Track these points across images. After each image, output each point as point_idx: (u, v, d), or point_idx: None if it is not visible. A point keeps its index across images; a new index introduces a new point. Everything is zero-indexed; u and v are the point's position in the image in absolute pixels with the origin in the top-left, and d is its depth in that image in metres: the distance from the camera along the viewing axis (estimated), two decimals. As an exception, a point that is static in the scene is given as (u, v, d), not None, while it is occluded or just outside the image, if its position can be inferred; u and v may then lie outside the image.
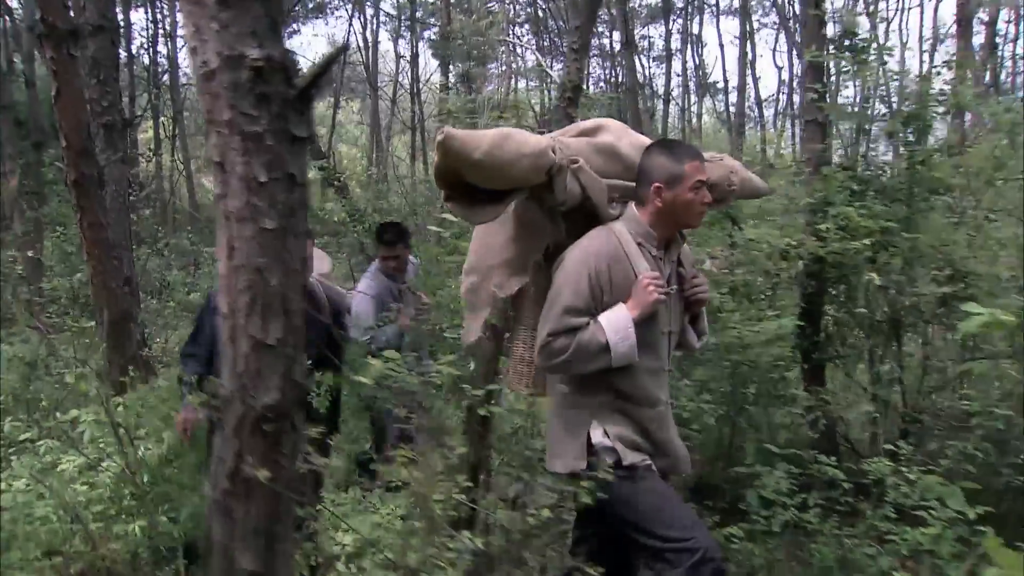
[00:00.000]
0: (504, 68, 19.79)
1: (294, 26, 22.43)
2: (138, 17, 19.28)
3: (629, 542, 2.83)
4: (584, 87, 4.19)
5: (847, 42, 4.02)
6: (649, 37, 27.74)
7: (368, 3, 22.90)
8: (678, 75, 27.49)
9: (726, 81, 28.13)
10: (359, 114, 30.54)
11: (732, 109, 25.57)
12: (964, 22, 10.15)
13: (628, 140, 2.99)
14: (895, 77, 3.86)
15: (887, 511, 3.49)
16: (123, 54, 14.90)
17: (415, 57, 23.25)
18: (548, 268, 2.89)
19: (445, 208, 3.49)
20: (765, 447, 3.97)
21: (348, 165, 21.36)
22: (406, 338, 4.85)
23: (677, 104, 27.20)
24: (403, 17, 23.62)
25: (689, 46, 27.10)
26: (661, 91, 26.65)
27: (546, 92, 23.17)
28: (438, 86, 18.42)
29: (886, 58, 4.13)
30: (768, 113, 28.12)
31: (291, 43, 23.61)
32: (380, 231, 5.10)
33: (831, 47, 4.16)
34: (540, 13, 24.86)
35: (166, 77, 19.79)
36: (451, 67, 19.50)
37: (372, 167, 18.51)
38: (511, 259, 3.02)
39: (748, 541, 3.56)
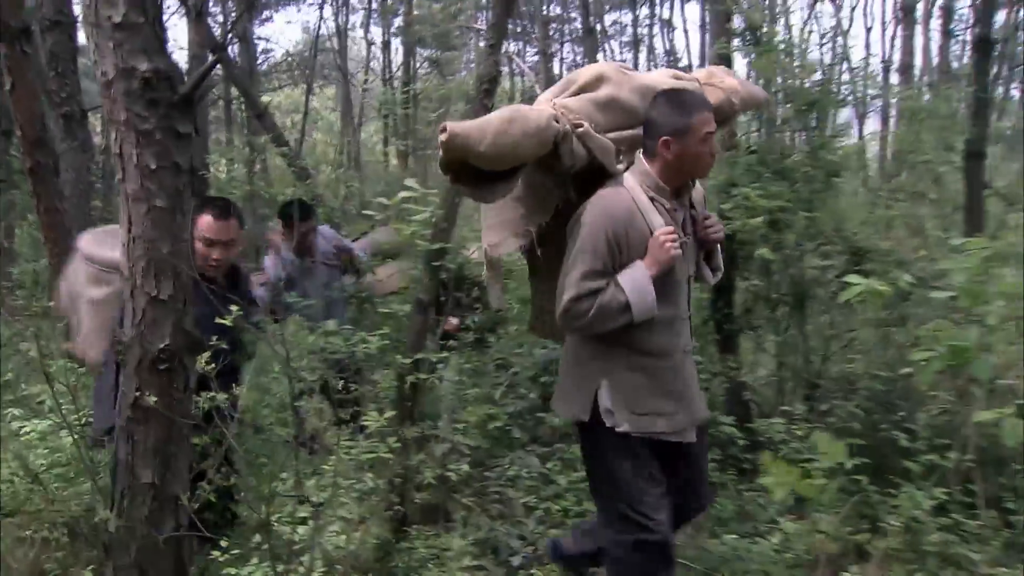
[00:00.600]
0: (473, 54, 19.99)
1: (266, 13, 22.54)
2: None
3: (595, 498, 3.02)
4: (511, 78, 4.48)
5: (749, 36, 4.35)
6: (620, 22, 28.02)
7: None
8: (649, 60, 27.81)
9: (690, 65, 28.43)
10: (333, 101, 30.66)
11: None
12: (907, 9, 10.49)
13: (630, 86, 2.95)
14: (797, 67, 4.17)
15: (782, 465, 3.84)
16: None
17: (386, 44, 23.42)
18: (560, 228, 2.91)
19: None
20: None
21: (321, 151, 21.51)
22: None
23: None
24: (372, 5, 23.76)
25: (659, 31, 27.42)
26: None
27: (517, 79, 23.46)
28: (399, 74, 18.57)
29: (793, 49, 4.48)
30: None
31: (264, 30, 23.77)
32: (281, 209, 5.08)
33: (736, 40, 4.49)
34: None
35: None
36: (415, 54, 19.69)
37: (342, 153, 18.73)
38: (513, 219, 3.04)
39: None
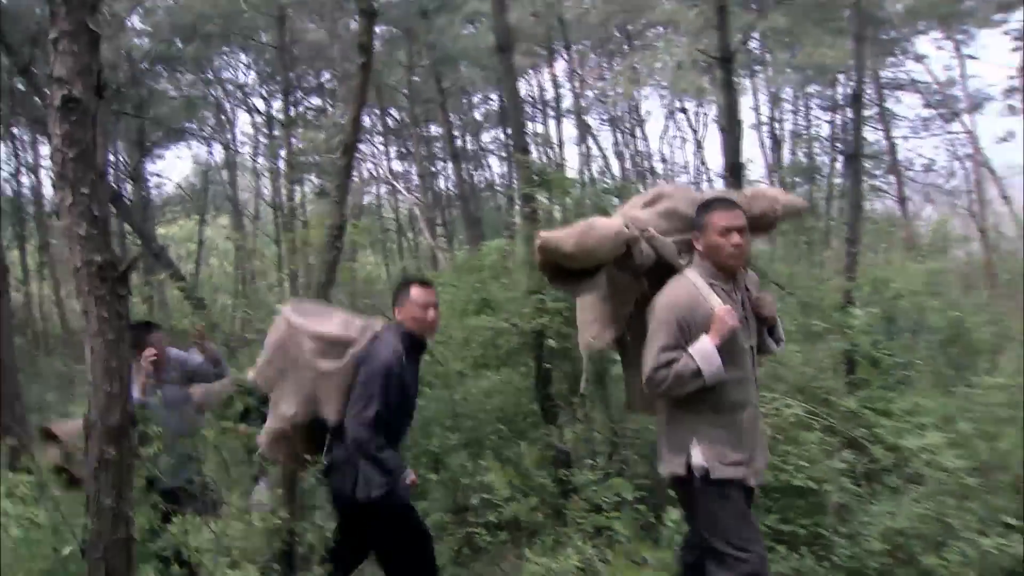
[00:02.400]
0: (356, 179, 21.30)
1: (157, 151, 23.49)
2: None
3: (705, 546, 3.43)
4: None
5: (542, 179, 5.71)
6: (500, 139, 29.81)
7: (226, 129, 24.32)
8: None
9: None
10: (227, 229, 31.48)
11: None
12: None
13: (687, 200, 3.58)
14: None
15: (584, 504, 5.04)
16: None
17: (275, 174, 24.63)
18: (641, 315, 3.49)
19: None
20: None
21: (216, 279, 22.28)
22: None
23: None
24: (260, 139, 25.06)
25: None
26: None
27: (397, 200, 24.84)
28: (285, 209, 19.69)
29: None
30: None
31: (156, 167, 24.71)
32: (143, 324, 5.15)
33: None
34: (391, 123, 26.70)
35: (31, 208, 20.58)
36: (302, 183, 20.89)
37: (239, 280, 19.61)
38: (604, 315, 3.64)
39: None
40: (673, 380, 3.30)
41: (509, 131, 27.45)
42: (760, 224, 3.68)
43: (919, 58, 20.99)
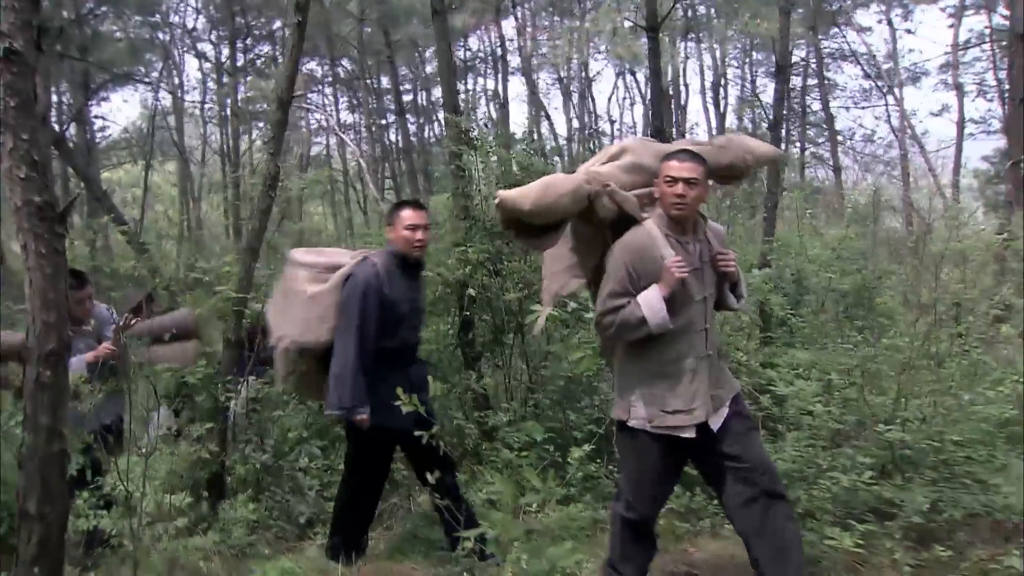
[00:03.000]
0: (305, 130, 21.37)
1: (103, 94, 23.21)
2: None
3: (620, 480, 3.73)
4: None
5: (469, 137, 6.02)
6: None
7: (173, 74, 24.07)
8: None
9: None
10: (173, 176, 31.23)
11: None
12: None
13: (651, 152, 3.62)
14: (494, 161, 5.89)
15: (498, 444, 5.43)
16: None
17: (225, 119, 24.51)
18: (604, 265, 3.54)
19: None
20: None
21: (161, 225, 22.22)
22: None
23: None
24: (208, 84, 24.86)
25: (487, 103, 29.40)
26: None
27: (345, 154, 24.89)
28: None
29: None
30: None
31: (101, 109, 24.39)
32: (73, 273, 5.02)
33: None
34: (341, 73, 26.64)
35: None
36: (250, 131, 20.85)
37: (180, 227, 19.66)
38: (572, 266, 3.74)
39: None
40: (619, 326, 3.40)
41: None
42: (730, 173, 3.75)
43: (862, 30, 21.58)
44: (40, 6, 3.08)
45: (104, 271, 7.96)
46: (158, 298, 6.03)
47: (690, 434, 3.42)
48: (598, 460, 5.16)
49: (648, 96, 25.33)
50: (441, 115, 28.87)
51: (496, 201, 3.46)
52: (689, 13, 16.75)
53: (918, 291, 7.73)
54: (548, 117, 24.25)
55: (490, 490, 5.03)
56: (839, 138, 21.15)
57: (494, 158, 5.92)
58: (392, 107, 27.06)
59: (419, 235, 4.30)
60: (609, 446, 5.09)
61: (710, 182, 3.63)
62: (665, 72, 17.51)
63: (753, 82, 25.19)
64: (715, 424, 3.45)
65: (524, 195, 3.44)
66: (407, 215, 4.30)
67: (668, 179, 3.41)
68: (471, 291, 5.55)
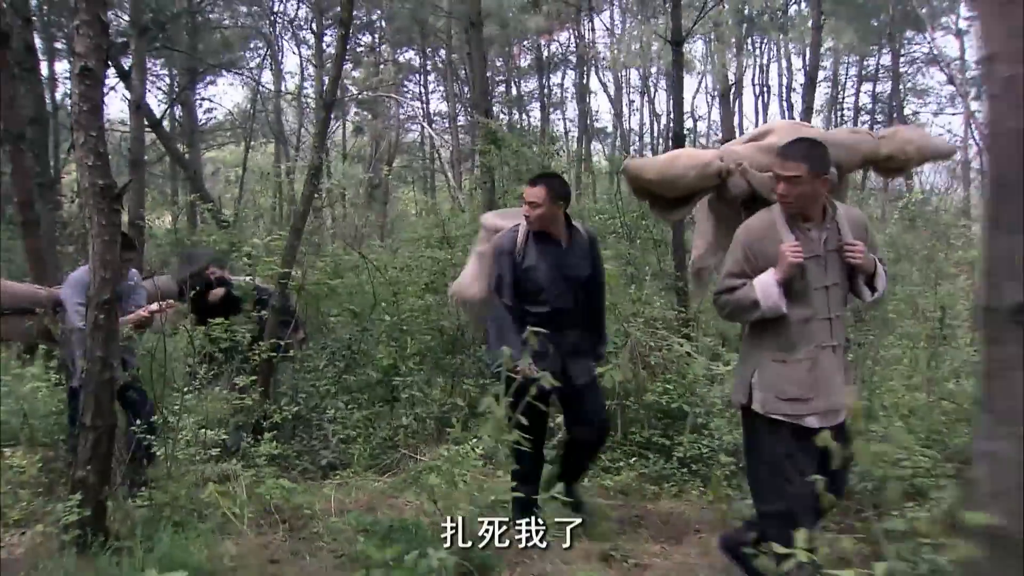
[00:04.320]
0: (393, 121, 22.39)
1: (209, 77, 24.67)
2: (62, 67, 21.24)
3: (748, 472, 3.60)
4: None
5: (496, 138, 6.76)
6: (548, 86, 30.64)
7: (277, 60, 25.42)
8: (571, 121, 30.36)
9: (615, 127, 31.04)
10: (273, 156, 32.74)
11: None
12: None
13: (793, 135, 3.50)
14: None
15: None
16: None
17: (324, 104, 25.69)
18: None
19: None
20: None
21: (255, 203, 23.47)
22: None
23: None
24: (306, 71, 26.14)
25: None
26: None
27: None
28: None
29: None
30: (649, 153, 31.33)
31: (208, 91, 25.93)
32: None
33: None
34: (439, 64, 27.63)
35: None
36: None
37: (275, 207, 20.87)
38: (712, 242, 3.81)
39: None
40: (733, 306, 3.42)
41: (546, 81, 28.44)
42: (890, 165, 3.74)
43: (960, 33, 21.30)
44: (108, 30, 3.95)
45: (186, 243, 8.95)
46: (226, 265, 6.83)
47: (812, 423, 3.27)
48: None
49: (710, 102, 25.63)
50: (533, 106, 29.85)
51: (622, 168, 3.65)
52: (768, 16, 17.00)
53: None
54: (619, 115, 24.66)
55: (487, 447, 5.79)
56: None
57: (515, 156, 6.63)
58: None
59: (528, 211, 4.42)
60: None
61: (862, 171, 3.77)
62: (739, 70, 17.87)
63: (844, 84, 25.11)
64: (823, 422, 3.30)
65: (650, 165, 3.65)
66: (526, 192, 4.48)
67: (774, 175, 3.40)
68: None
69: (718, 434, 5.59)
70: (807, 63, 10.49)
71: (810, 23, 9.44)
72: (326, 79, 22.53)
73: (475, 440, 5.81)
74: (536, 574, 3.90)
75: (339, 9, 22.76)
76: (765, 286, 3.31)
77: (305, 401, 6.18)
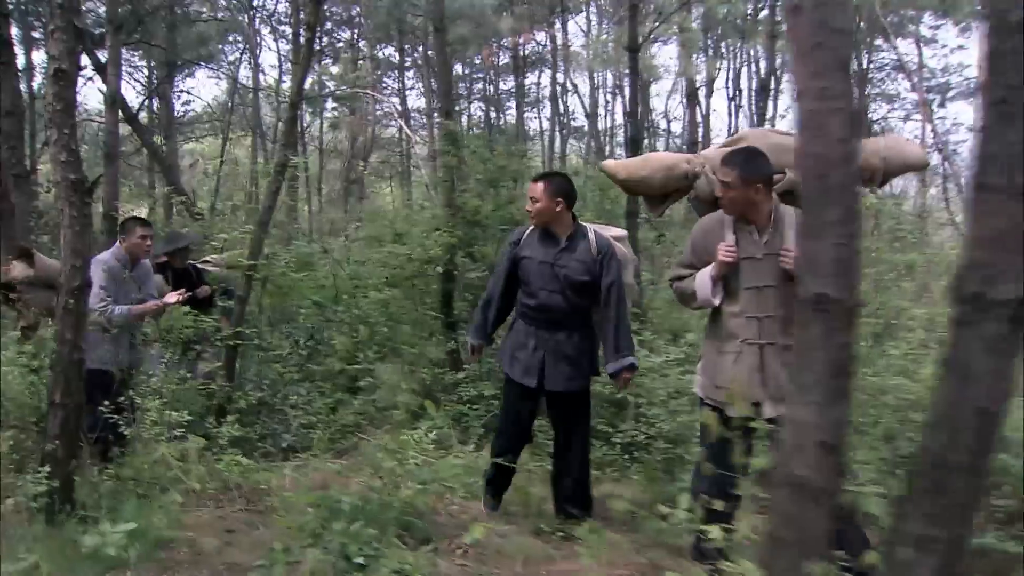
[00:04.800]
0: (370, 117, 22.63)
1: (187, 70, 24.78)
2: (40, 57, 21.27)
3: None
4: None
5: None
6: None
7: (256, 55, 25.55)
8: (547, 119, 30.62)
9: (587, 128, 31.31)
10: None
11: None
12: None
13: (763, 143, 3.71)
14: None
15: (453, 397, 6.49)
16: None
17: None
18: None
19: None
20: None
21: (231, 195, 23.68)
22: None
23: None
24: (284, 66, 26.30)
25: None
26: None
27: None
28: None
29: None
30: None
31: (188, 83, 26.03)
32: (136, 219, 6.02)
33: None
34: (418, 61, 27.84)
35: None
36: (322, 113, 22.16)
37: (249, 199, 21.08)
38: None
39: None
40: (679, 294, 3.76)
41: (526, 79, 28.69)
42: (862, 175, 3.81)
43: (924, 42, 21.82)
44: (80, 34, 4.22)
45: (159, 234, 9.18)
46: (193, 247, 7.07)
47: (732, 413, 3.24)
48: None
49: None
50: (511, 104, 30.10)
51: (599, 166, 3.97)
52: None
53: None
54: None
55: (439, 432, 6.12)
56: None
57: (475, 157, 6.95)
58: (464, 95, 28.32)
59: (528, 206, 4.60)
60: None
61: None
62: (709, 73, 18.25)
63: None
64: (768, 412, 3.39)
65: (622, 166, 3.97)
66: (529, 189, 4.63)
67: (720, 181, 3.64)
68: (439, 268, 6.61)
69: (656, 422, 5.92)
70: (762, 70, 10.77)
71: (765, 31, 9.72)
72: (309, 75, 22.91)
73: (428, 424, 6.21)
74: (470, 543, 4.21)
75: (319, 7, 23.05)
76: (702, 279, 3.60)
77: (269, 387, 6.47)
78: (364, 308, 6.88)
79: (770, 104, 21.17)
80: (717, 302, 3.57)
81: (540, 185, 4.49)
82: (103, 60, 10.87)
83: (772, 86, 15.85)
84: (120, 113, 10.24)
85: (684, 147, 17.23)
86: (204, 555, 3.97)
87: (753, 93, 20.70)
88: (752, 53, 20.92)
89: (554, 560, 4.08)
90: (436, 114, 25.34)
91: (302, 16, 20.73)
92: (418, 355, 6.72)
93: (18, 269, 5.65)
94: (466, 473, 5.29)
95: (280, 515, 4.51)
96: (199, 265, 6.96)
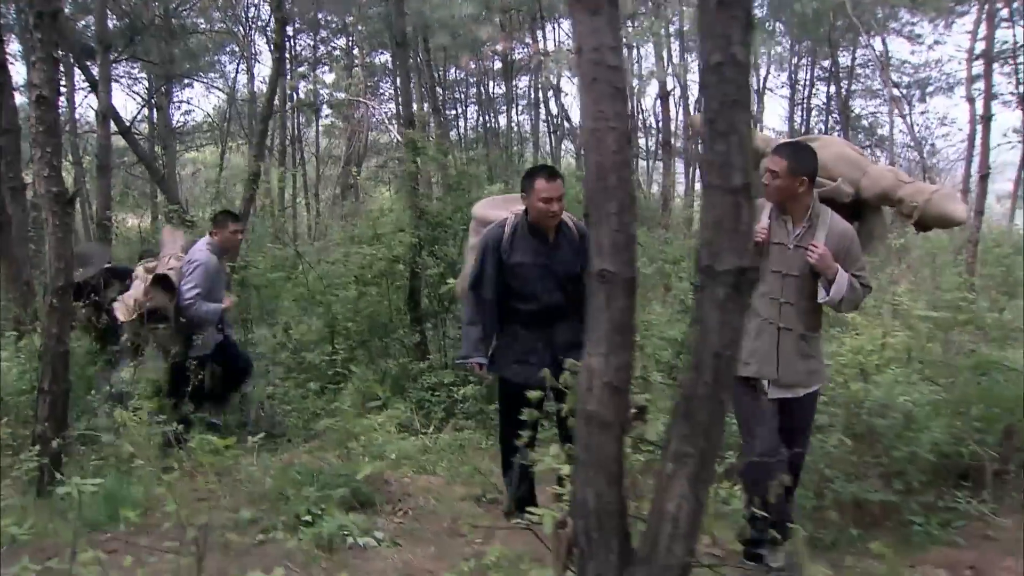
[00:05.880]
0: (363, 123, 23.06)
1: (187, 81, 25.35)
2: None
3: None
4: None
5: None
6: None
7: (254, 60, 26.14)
8: (543, 121, 31.00)
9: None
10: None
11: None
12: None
13: (831, 151, 3.93)
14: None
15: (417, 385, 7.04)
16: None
17: (295, 108, 26.52)
18: None
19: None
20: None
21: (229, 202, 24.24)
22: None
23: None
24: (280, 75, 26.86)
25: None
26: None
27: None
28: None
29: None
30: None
31: (187, 93, 26.63)
32: (228, 213, 6.53)
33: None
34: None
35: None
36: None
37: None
38: None
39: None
40: None
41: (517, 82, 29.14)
42: (901, 209, 4.01)
43: (913, 37, 22.24)
44: (59, 63, 4.78)
45: (150, 241, 9.77)
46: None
47: (746, 373, 3.75)
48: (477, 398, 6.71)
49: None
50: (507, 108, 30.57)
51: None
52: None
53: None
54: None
55: (404, 416, 6.68)
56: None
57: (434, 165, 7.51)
58: (462, 99, 28.87)
59: (554, 207, 4.30)
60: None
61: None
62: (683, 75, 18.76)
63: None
64: (773, 394, 3.81)
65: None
66: (541, 186, 4.28)
67: (768, 171, 3.81)
68: (400, 266, 7.17)
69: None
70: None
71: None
72: (301, 85, 23.47)
73: (392, 410, 6.76)
74: (412, 508, 4.76)
75: (309, 14, 23.58)
76: None
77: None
78: (334, 306, 7.42)
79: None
80: None
81: (558, 183, 4.32)
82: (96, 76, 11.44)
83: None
84: (110, 128, 10.74)
85: (659, 146, 17.74)
86: (173, 518, 4.52)
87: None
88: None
89: (481, 518, 4.62)
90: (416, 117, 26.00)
91: (297, 24, 21.49)
92: (384, 347, 7.27)
93: (159, 297, 5.90)
94: (420, 452, 5.86)
95: (245, 486, 5.08)
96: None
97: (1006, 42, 16.95)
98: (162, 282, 5.91)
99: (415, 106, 26.05)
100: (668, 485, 2.32)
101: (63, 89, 20.21)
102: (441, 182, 7.48)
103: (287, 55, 26.17)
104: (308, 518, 4.22)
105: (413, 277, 7.50)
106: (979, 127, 12.83)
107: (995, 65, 15.79)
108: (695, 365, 2.26)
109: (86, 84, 14.23)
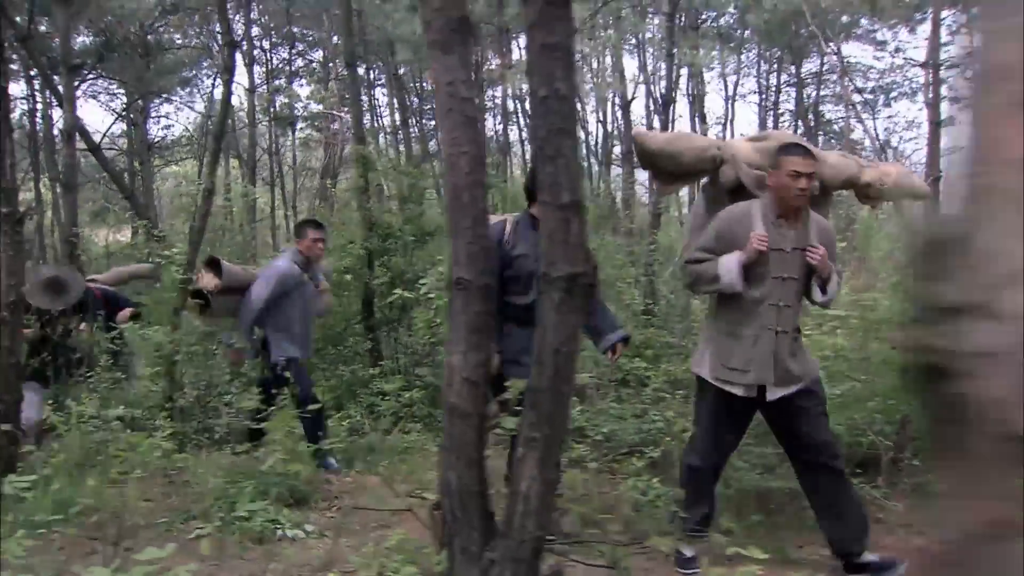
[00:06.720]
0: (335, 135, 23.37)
1: (165, 96, 25.59)
2: (17, 88, 22.03)
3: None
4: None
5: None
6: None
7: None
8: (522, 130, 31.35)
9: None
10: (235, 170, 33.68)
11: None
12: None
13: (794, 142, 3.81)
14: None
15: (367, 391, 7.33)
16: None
17: (271, 120, 26.80)
18: None
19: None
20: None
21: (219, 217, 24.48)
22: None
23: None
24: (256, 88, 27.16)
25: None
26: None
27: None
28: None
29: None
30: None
31: (166, 108, 26.82)
32: (309, 222, 6.53)
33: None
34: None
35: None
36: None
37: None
38: (702, 224, 4.01)
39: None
40: (697, 275, 3.79)
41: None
42: (866, 192, 4.06)
43: (879, 44, 22.65)
44: (7, 93, 5.08)
45: (115, 255, 10.04)
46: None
47: (742, 392, 3.75)
48: (424, 402, 7.00)
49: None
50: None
51: (632, 134, 4.20)
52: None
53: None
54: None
55: (353, 421, 6.97)
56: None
57: (383, 178, 7.82)
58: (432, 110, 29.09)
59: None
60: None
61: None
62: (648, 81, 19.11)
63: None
64: (771, 395, 3.76)
65: (655, 137, 4.00)
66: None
67: (793, 173, 3.63)
68: (348, 276, 7.48)
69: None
70: (664, 86, 11.65)
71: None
72: (280, 97, 23.74)
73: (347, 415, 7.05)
74: (353, 506, 5.04)
75: (284, 29, 23.87)
76: (728, 264, 3.67)
77: (207, 388, 7.31)
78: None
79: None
80: (740, 288, 3.68)
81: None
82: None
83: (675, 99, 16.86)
84: (76, 147, 10.90)
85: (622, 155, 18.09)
86: (121, 518, 4.79)
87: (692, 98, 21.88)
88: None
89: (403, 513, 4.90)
90: (414, 128, 26.28)
91: (273, 38, 21.74)
92: (338, 354, 7.57)
93: (207, 278, 6.10)
94: (365, 452, 6.16)
95: (191, 487, 5.36)
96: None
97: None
98: (212, 264, 6.17)
99: (367, 123, 26.55)
100: (520, 467, 2.63)
101: (39, 105, 20.58)
102: (394, 194, 7.76)
103: (264, 68, 26.68)
104: (244, 513, 4.51)
105: (365, 287, 7.79)
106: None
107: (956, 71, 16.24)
108: (538, 361, 2.56)
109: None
